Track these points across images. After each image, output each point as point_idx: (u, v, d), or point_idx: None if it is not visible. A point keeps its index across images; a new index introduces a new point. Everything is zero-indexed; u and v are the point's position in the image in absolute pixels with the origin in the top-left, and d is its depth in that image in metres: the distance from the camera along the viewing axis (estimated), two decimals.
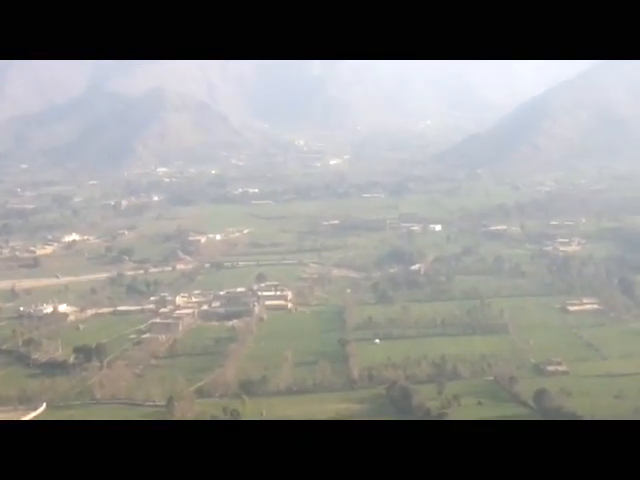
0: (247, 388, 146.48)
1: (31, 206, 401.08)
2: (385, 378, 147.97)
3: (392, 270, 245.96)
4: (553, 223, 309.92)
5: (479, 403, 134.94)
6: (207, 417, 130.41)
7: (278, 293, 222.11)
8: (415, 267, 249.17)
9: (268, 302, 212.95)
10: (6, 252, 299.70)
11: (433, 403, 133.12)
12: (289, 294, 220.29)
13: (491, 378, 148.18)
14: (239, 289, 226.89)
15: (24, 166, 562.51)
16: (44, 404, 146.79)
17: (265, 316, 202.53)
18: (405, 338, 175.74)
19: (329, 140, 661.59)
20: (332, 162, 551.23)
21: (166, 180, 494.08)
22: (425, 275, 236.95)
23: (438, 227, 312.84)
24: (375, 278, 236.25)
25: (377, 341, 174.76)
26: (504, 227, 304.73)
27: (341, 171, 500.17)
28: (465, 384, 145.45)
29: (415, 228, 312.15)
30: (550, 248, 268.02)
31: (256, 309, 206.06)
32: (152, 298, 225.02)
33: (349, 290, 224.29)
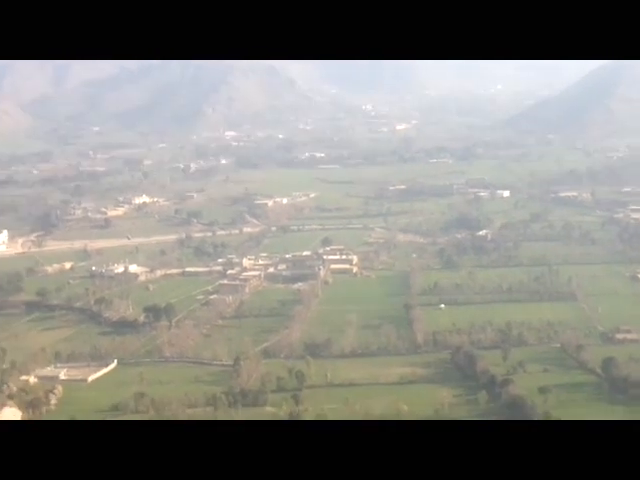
0: (312, 350, 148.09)
1: (103, 168, 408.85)
2: (450, 343, 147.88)
3: (459, 236, 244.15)
4: (625, 190, 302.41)
5: (545, 370, 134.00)
6: (272, 377, 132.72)
7: (343, 257, 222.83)
8: (482, 233, 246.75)
9: (333, 266, 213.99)
10: (79, 213, 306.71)
11: (498, 369, 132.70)
12: (354, 258, 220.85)
13: (558, 345, 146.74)
14: (305, 252, 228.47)
15: (96, 129, 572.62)
16: (115, 361, 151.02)
17: (330, 280, 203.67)
18: (470, 304, 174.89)
19: (397, 105, 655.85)
20: (399, 127, 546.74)
21: (234, 144, 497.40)
22: (492, 241, 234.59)
23: (506, 193, 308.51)
24: (441, 243, 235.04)
25: (442, 306, 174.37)
26: (574, 194, 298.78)
27: (408, 136, 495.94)
28: (531, 351, 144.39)
29: (483, 194, 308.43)
30: (621, 215, 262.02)
31: (321, 273, 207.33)
32: (219, 260, 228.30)
33: (415, 255, 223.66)
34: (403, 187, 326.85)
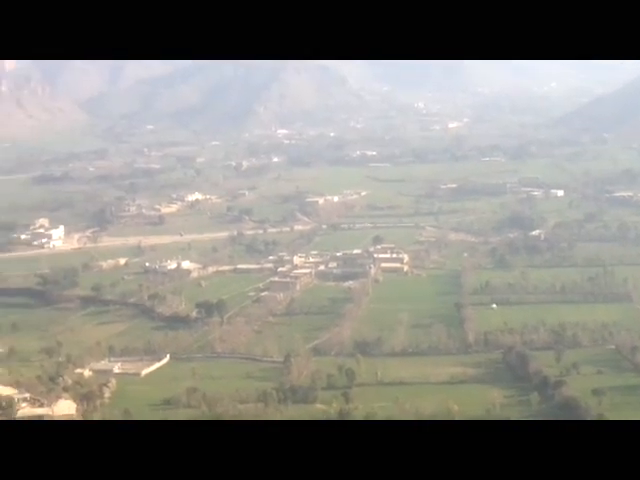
0: (362, 348, 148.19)
1: (157, 166, 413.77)
2: (501, 343, 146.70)
3: (511, 235, 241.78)
4: None
5: (599, 372, 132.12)
6: (322, 375, 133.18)
7: (394, 256, 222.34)
8: (535, 232, 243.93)
9: (384, 264, 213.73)
10: (133, 210, 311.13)
11: (551, 370, 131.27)
12: (405, 257, 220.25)
13: (612, 347, 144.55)
14: (355, 251, 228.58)
15: (150, 127, 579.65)
16: (167, 356, 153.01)
17: (381, 278, 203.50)
18: (523, 304, 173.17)
19: (449, 103, 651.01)
20: (451, 125, 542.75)
21: (286, 142, 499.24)
22: (545, 241, 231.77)
23: (560, 192, 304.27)
24: (493, 243, 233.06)
25: (494, 306, 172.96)
26: (630, 194, 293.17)
27: (460, 134, 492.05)
28: (585, 352, 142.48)
29: (536, 193, 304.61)
30: None
31: (372, 271, 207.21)
32: (271, 257, 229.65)
33: (466, 254, 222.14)
34: (455, 186, 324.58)
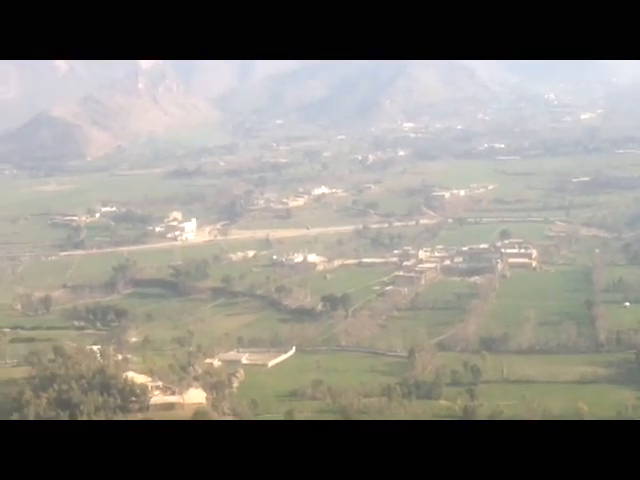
0: (488, 344, 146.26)
1: (284, 160, 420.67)
2: (635, 343, 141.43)
3: None
4: None
5: None
6: (447, 370, 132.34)
7: (522, 251, 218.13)
8: None
9: (511, 259, 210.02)
10: (261, 203, 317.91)
11: None
12: (533, 252, 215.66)
13: None
14: (482, 245, 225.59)
15: (279, 121, 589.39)
16: (293, 348, 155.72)
17: (508, 273, 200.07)
18: None
19: (581, 93, 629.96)
20: (583, 116, 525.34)
21: (412, 135, 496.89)
22: None
23: None
24: (627, 238, 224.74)
25: (627, 304, 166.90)
26: None
27: (593, 125, 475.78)
28: None
29: None
30: None
31: (499, 266, 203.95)
32: (395, 251, 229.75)
33: (598, 250, 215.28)
34: (587, 179, 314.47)
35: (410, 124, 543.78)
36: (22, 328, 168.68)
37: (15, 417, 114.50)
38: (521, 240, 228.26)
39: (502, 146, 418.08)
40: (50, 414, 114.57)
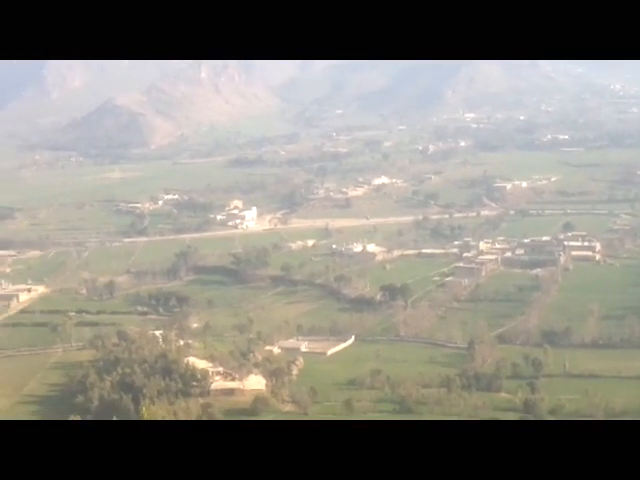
0: (549, 338, 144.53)
1: (345, 150, 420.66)
2: None
3: None
4: None
5: None
6: (507, 363, 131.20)
7: (585, 244, 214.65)
8: None
9: (574, 252, 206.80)
10: (321, 192, 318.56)
11: None
12: (597, 245, 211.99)
13: None
14: (544, 238, 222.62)
15: (339, 111, 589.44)
16: (352, 337, 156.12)
17: (571, 266, 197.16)
18: None
19: None
20: None
21: (473, 126, 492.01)
22: None
23: None
24: None
25: None
26: None
27: None
28: None
29: None
30: None
31: (561, 259, 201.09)
32: (456, 242, 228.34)
33: None
34: None
35: (472, 114, 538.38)
36: (87, 312, 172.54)
37: (80, 399, 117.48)
38: (584, 233, 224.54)
39: (566, 137, 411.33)
40: (114, 397, 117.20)
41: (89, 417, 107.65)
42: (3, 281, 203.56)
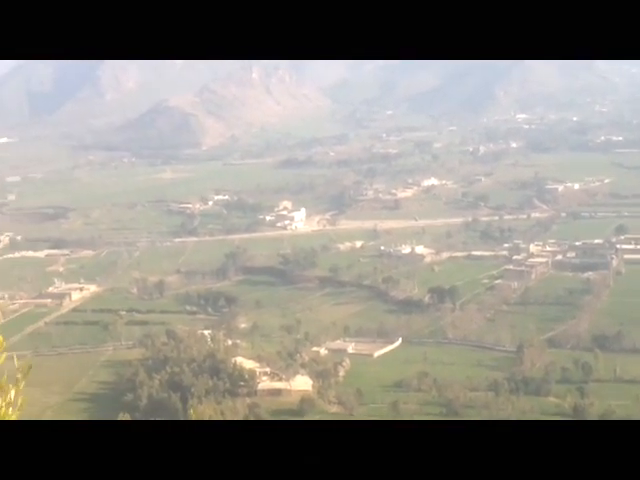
0: (600, 342, 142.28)
1: (394, 151, 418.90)
2: None
3: None
4: None
5: None
6: (557, 367, 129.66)
7: (639, 247, 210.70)
8: None
9: (628, 256, 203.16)
10: (370, 194, 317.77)
11: None
12: None
13: None
14: (596, 240, 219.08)
15: (389, 112, 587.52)
16: (400, 339, 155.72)
17: (623, 270, 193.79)
18: None
19: None
20: None
21: (525, 126, 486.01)
22: None
23: None
24: None
25: None
26: None
27: None
28: None
29: None
30: None
31: (614, 262, 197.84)
32: (505, 245, 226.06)
33: None
34: None
35: (523, 115, 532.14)
36: (137, 311, 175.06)
37: (129, 397, 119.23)
38: (638, 236, 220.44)
39: (620, 139, 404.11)
40: (162, 395, 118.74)
41: (138, 415, 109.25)
42: (56, 280, 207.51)
